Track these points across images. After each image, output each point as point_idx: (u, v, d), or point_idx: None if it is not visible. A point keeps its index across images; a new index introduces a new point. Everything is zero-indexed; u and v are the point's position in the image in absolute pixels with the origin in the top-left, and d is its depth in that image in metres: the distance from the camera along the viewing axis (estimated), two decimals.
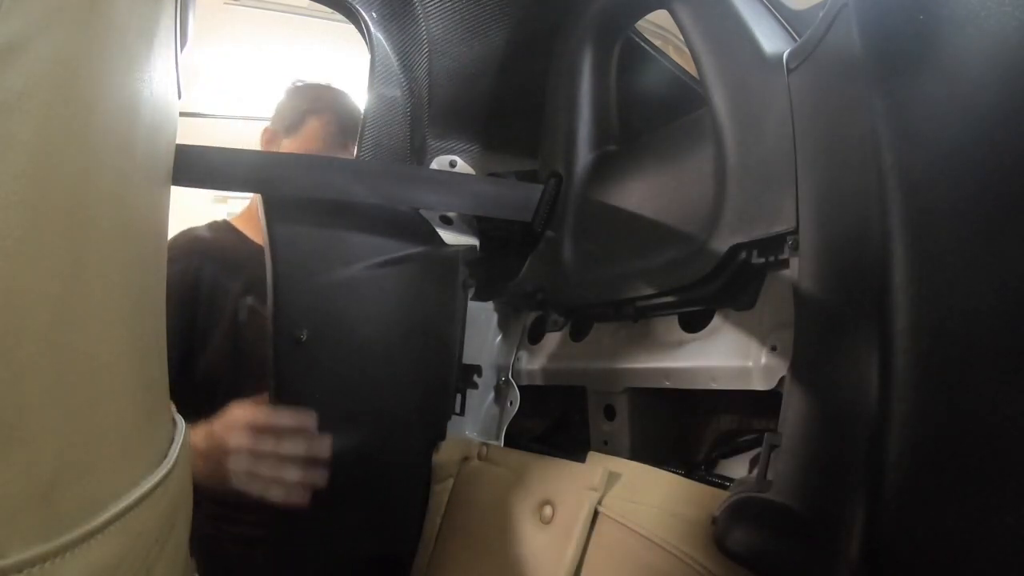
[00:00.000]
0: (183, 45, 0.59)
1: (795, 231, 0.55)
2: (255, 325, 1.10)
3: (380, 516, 0.92)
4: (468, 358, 1.01)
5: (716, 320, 0.68)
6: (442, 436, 0.98)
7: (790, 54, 0.59)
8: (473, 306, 1.03)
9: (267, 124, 1.28)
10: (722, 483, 0.64)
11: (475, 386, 1.02)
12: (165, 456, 0.51)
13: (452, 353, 0.97)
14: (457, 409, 1.00)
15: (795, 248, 0.55)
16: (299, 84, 1.31)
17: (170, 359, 0.58)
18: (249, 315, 1.11)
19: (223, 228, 1.26)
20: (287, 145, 1.24)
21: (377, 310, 0.89)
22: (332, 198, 0.91)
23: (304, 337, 0.85)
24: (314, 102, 1.26)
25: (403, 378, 0.91)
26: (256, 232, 1.22)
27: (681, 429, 0.79)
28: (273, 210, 0.87)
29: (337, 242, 0.88)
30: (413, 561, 0.95)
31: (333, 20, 1.25)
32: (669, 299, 0.72)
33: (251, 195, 1.32)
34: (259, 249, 1.18)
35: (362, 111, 1.00)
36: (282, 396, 0.86)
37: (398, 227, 0.93)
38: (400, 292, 0.91)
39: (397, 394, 0.91)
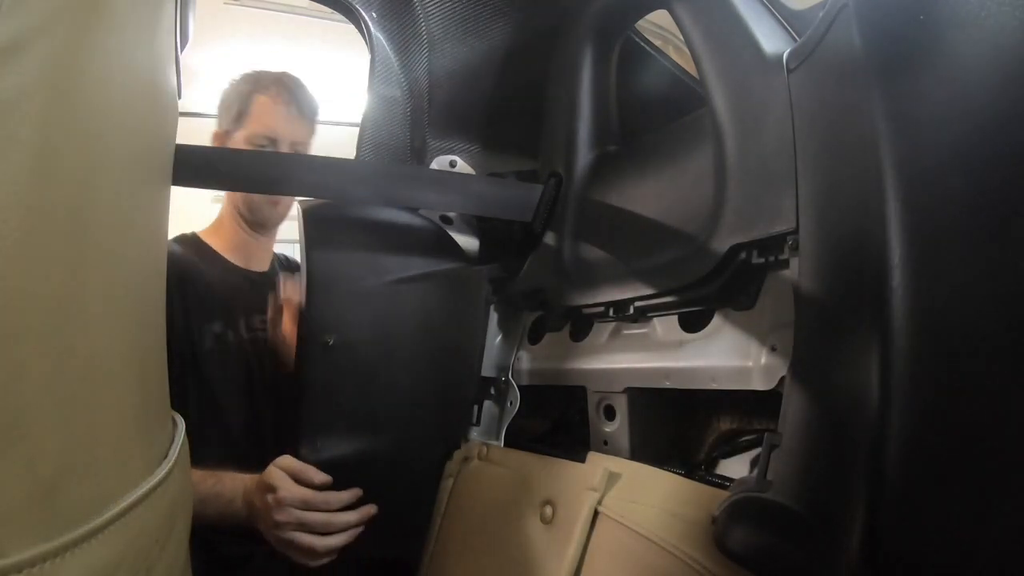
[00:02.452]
0: (183, 45, 0.59)
1: (795, 231, 0.55)
2: (220, 356, 1.07)
3: (393, 520, 0.93)
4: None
5: (716, 320, 0.68)
6: (459, 445, 0.98)
7: (790, 54, 0.59)
8: None
9: (214, 128, 1.20)
10: (722, 483, 0.64)
11: (492, 397, 1.03)
12: (165, 456, 0.51)
13: (473, 366, 0.98)
14: (474, 419, 1.01)
15: (795, 248, 0.54)
16: (232, 79, 1.24)
17: None
18: (216, 343, 1.08)
19: (192, 243, 1.18)
20: (241, 137, 1.15)
21: (403, 322, 0.91)
22: (340, 202, 0.92)
23: (331, 342, 0.87)
24: (256, 83, 1.19)
25: (425, 387, 0.92)
26: (225, 245, 1.18)
27: (681, 429, 0.79)
28: (312, 220, 0.89)
29: (369, 254, 0.90)
30: (419, 564, 0.96)
31: (333, 20, 1.25)
32: (669, 299, 0.72)
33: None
34: (231, 266, 1.18)
35: (362, 111, 1.00)
36: (307, 397, 0.88)
37: (428, 244, 0.95)
38: (426, 306, 0.93)
39: (418, 402, 0.93)
